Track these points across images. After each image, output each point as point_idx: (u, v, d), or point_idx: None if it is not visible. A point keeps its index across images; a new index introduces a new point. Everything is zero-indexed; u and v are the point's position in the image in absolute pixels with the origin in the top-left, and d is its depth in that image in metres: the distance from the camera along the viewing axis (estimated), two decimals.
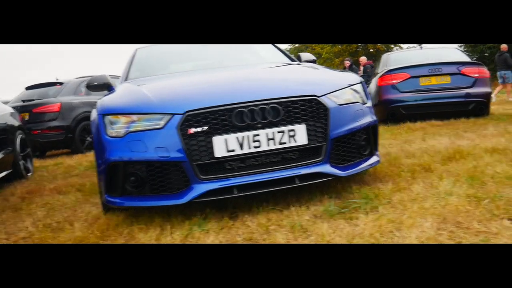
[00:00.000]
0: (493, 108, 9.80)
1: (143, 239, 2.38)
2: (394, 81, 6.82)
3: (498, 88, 13.43)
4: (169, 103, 2.65)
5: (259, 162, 2.60)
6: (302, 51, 60.72)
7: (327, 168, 2.69)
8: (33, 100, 8.89)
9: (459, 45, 37.56)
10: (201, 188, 2.55)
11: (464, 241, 1.88)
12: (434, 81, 6.69)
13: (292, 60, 4.13)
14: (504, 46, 13.54)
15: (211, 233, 2.35)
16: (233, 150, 2.52)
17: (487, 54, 35.29)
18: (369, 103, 3.08)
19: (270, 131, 2.56)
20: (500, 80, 13.42)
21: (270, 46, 4.41)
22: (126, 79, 3.81)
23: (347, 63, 10.55)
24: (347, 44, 47.51)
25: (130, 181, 2.65)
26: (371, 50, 45.84)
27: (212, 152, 2.51)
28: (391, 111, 6.93)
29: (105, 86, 3.67)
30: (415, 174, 3.16)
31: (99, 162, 2.81)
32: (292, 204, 2.71)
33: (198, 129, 2.52)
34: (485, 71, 6.77)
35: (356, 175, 3.19)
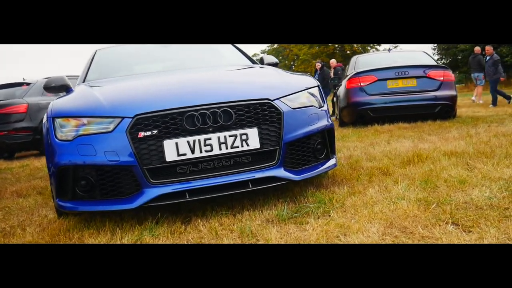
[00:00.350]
0: (462, 110, 10.00)
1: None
2: (362, 84, 6.87)
3: (478, 90, 13.58)
4: (119, 107, 2.60)
5: (211, 166, 2.57)
6: (280, 52, 61.06)
7: (281, 172, 2.67)
8: None
9: (433, 46, 38.31)
10: (152, 193, 2.50)
11: None
12: (401, 83, 6.77)
13: (253, 62, 4.11)
14: (477, 49, 13.75)
15: (161, 238, 2.31)
16: (184, 154, 2.49)
17: (460, 57, 36.05)
18: (325, 107, 3.08)
19: (222, 135, 2.53)
20: (477, 82, 13.56)
21: (233, 48, 4.38)
22: (83, 80, 3.74)
23: (318, 65, 10.61)
24: (324, 46, 48.03)
25: (80, 185, 2.60)
26: (348, 52, 46.35)
27: (163, 156, 2.47)
28: (359, 114, 6.98)
29: (63, 88, 3.59)
30: (372, 178, 3.18)
31: (49, 165, 2.75)
32: (246, 208, 2.69)
33: (148, 133, 2.48)
34: (450, 74, 6.88)
35: (314, 178, 3.20)
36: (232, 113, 2.56)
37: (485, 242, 1.83)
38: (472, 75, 13.83)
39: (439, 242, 1.89)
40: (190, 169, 2.55)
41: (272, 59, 4.23)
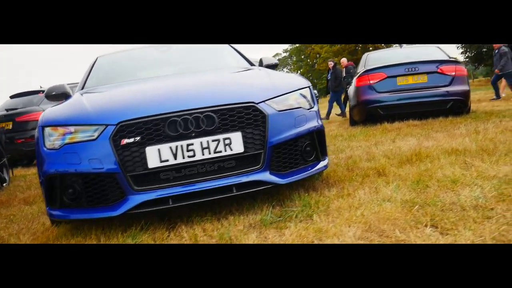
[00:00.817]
0: (482, 105, 9.75)
1: None
2: (371, 82, 6.76)
3: (503, 84, 13.27)
4: (104, 114, 2.63)
5: (195, 172, 2.57)
6: (302, 51, 60.71)
7: (266, 176, 2.65)
8: (17, 108, 8.90)
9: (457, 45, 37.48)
10: (135, 200, 2.52)
11: None
12: (411, 80, 6.63)
13: (251, 64, 4.10)
14: (497, 45, 13.39)
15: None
16: (166, 160, 2.49)
17: (485, 50, 35.12)
18: (315, 108, 3.04)
19: (204, 140, 2.52)
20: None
21: (232, 50, 4.38)
22: (82, 87, 3.79)
23: (331, 63, 10.52)
24: (345, 44, 47.68)
25: (67, 193, 2.63)
26: (370, 48, 45.82)
27: (145, 163, 2.49)
28: (369, 112, 6.88)
29: (63, 96, 3.66)
30: (365, 179, 3.12)
31: (39, 174, 2.79)
32: (232, 212, 2.68)
33: (131, 140, 2.49)
34: (462, 69, 6.71)
35: (306, 180, 3.17)
36: (215, 118, 2.55)
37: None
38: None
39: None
40: (173, 175, 2.55)
41: (271, 60, 4.20)
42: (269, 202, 2.79)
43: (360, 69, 7.48)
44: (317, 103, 3.15)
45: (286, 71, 64.99)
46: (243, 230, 2.35)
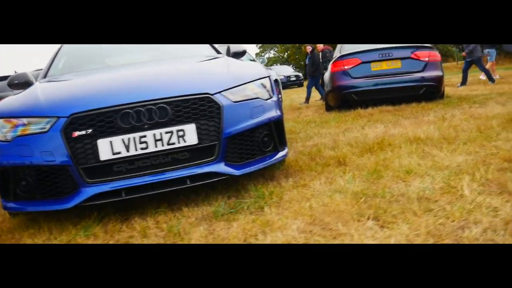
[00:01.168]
0: (460, 89, 9.83)
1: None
2: (345, 67, 6.76)
3: (489, 65, 13.28)
4: (56, 106, 2.60)
5: (148, 164, 2.56)
6: (298, 49, 60.19)
7: (220, 168, 2.66)
8: None
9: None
10: (88, 192, 2.51)
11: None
12: (385, 66, 6.64)
13: (218, 52, 4.07)
14: None
15: (91, 238, 2.33)
16: (119, 153, 2.48)
17: None
18: (275, 98, 3.04)
19: (157, 132, 2.52)
20: (488, 58, 13.25)
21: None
22: (44, 76, 3.74)
23: (309, 48, 10.50)
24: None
25: (20, 185, 2.61)
26: None
27: (97, 155, 2.48)
28: (343, 98, 6.88)
29: (26, 84, 3.60)
30: (325, 168, 3.15)
31: None
32: (188, 204, 2.69)
33: (83, 132, 2.48)
34: (436, 55, 6.72)
35: (266, 170, 3.19)
36: (168, 109, 2.54)
37: (392, 239, 1.81)
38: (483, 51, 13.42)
39: (352, 239, 1.87)
40: (126, 167, 2.54)
41: (239, 47, 4.16)
42: (225, 193, 2.81)
43: (336, 54, 7.47)
44: (278, 93, 3.14)
45: (273, 53, 64.74)
46: (194, 222, 2.36)
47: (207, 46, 4.20)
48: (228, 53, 4.05)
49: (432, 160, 2.98)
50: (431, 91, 6.69)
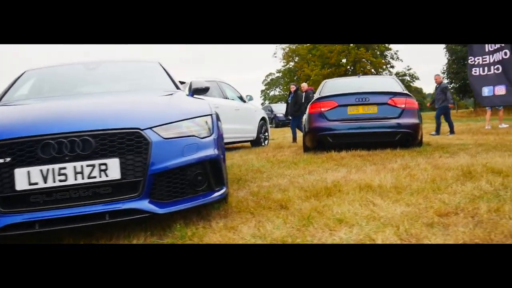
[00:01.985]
0: (443, 137, 9.80)
1: None
2: (322, 109, 6.74)
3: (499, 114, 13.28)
4: None
5: (67, 196, 2.49)
6: (293, 72, 60.86)
7: (143, 205, 2.58)
8: None
9: (443, 70, 37.99)
10: (1, 222, 2.44)
11: None
12: (361, 110, 6.62)
13: (177, 88, 4.05)
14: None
15: None
16: (36, 183, 2.42)
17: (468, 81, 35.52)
18: (213, 136, 2.98)
19: (78, 164, 2.46)
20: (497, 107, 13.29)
21: (162, 71, 4.34)
22: None
23: (293, 87, 10.58)
24: (336, 67, 48.29)
25: None
26: (360, 75, 46.34)
27: (13, 185, 2.41)
28: (319, 139, 6.84)
29: None
30: (262, 212, 3.07)
31: None
32: (109, 239, 2.60)
33: (1, 160, 2.42)
34: (413, 102, 6.72)
35: (205, 209, 3.11)
36: (92, 142, 2.49)
37: None
38: None
39: None
40: (43, 198, 2.47)
41: (201, 84, 4.13)
42: (151, 230, 2.72)
43: (316, 95, 7.48)
44: (216, 131, 3.07)
45: (278, 91, 65.55)
46: None
47: (167, 78, 4.19)
48: (190, 88, 4.03)
49: (370, 210, 2.90)
50: (406, 138, 6.65)
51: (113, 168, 2.51)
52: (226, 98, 9.34)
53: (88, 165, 2.48)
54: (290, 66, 61.03)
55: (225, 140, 9.21)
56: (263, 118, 10.66)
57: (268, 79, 69.26)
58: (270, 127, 26.93)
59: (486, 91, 10.91)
